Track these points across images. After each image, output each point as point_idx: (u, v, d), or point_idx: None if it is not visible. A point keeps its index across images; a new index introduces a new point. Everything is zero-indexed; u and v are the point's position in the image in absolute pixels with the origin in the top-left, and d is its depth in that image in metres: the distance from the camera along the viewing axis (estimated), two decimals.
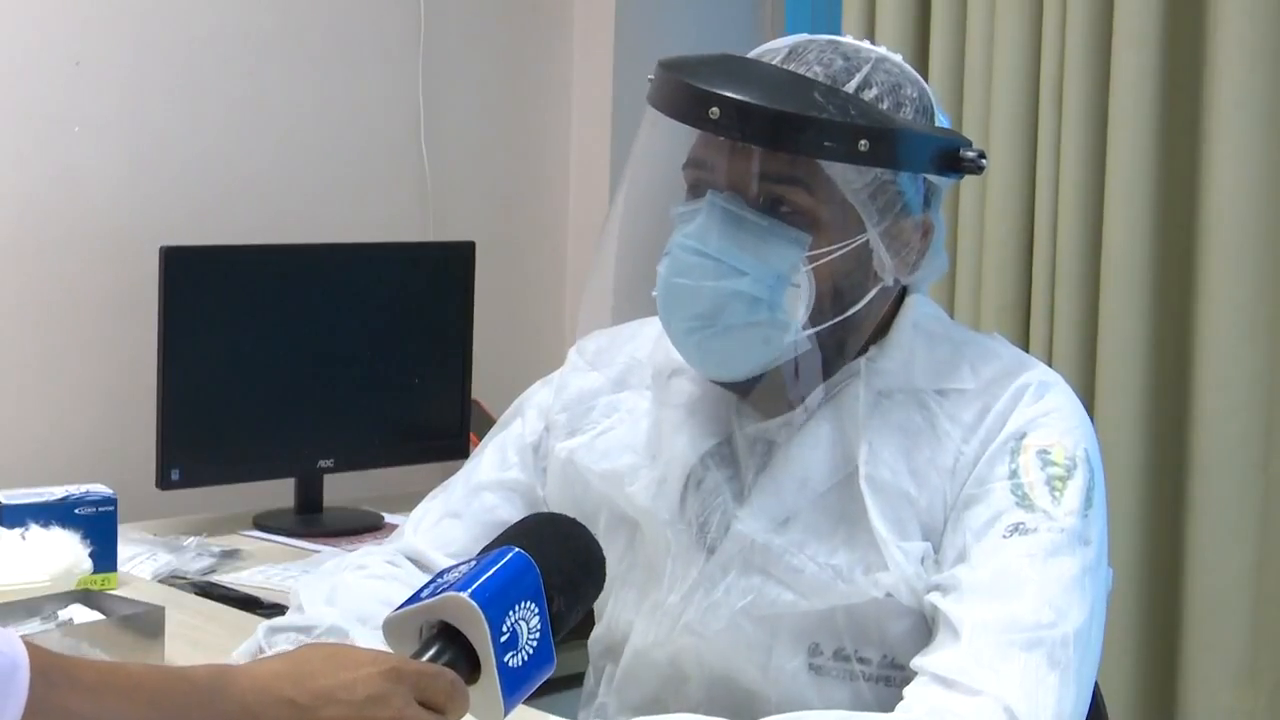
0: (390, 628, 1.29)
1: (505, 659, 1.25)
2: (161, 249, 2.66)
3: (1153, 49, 2.64)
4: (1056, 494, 1.53)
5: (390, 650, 1.28)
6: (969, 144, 1.59)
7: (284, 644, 1.60)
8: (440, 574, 1.30)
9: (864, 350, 1.62)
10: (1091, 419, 1.64)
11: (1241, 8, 2.54)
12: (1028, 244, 2.83)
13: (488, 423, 2.56)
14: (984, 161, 1.58)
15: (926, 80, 1.66)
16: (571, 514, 1.70)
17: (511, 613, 1.26)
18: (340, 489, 2.90)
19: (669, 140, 1.59)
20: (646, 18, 3.31)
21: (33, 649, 1.13)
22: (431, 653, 1.26)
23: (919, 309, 1.65)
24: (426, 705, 1.22)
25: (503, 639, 1.25)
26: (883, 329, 1.63)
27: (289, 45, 3.00)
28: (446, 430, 2.97)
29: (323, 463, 2.86)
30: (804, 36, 1.63)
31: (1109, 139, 2.69)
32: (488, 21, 3.24)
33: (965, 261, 2.89)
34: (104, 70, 2.80)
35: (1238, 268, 2.56)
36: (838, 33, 2.88)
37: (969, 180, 2.88)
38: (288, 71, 3.00)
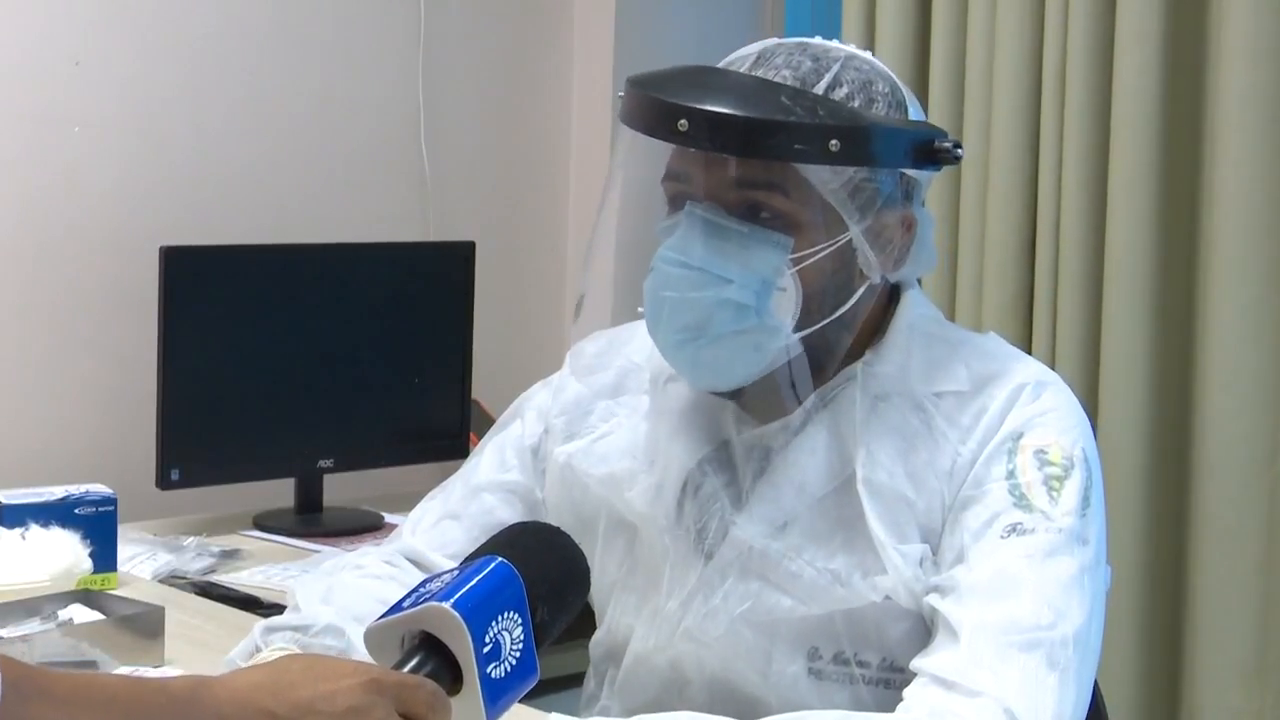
0: (372, 638, 1.27)
1: (488, 670, 1.24)
2: (161, 249, 2.66)
3: (1154, 47, 2.63)
4: (1054, 494, 1.53)
5: (372, 660, 1.27)
6: (944, 135, 1.59)
7: (280, 642, 1.60)
8: (423, 583, 1.29)
9: (860, 353, 1.62)
10: (1094, 418, 1.63)
11: (1243, 6, 2.54)
12: (1030, 243, 2.83)
13: (488, 423, 2.55)
14: (959, 151, 1.58)
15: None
16: (570, 518, 1.70)
17: (494, 623, 1.24)
18: (340, 489, 2.90)
19: (646, 156, 1.59)
20: (646, 18, 3.31)
21: (4, 661, 1.11)
22: (413, 663, 1.24)
23: (915, 310, 1.64)
24: (407, 716, 1.20)
25: (485, 650, 1.23)
26: (879, 331, 1.63)
27: (289, 45, 3.00)
28: (446, 430, 2.97)
29: (323, 463, 2.86)
30: (773, 41, 1.63)
31: (1111, 138, 2.69)
32: (488, 21, 3.24)
33: (967, 261, 2.89)
34: (104, 70, 2.80)
35: (1241, 266, 2.56)
36: (838, 34, 2.89)
37: (970, 180, 2.88)
38: (288, 71, 3.00)
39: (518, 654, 1.26)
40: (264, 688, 1.20)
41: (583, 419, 1.74)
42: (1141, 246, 2.65)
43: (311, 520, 2.83)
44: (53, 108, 2.75)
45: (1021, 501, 1.53)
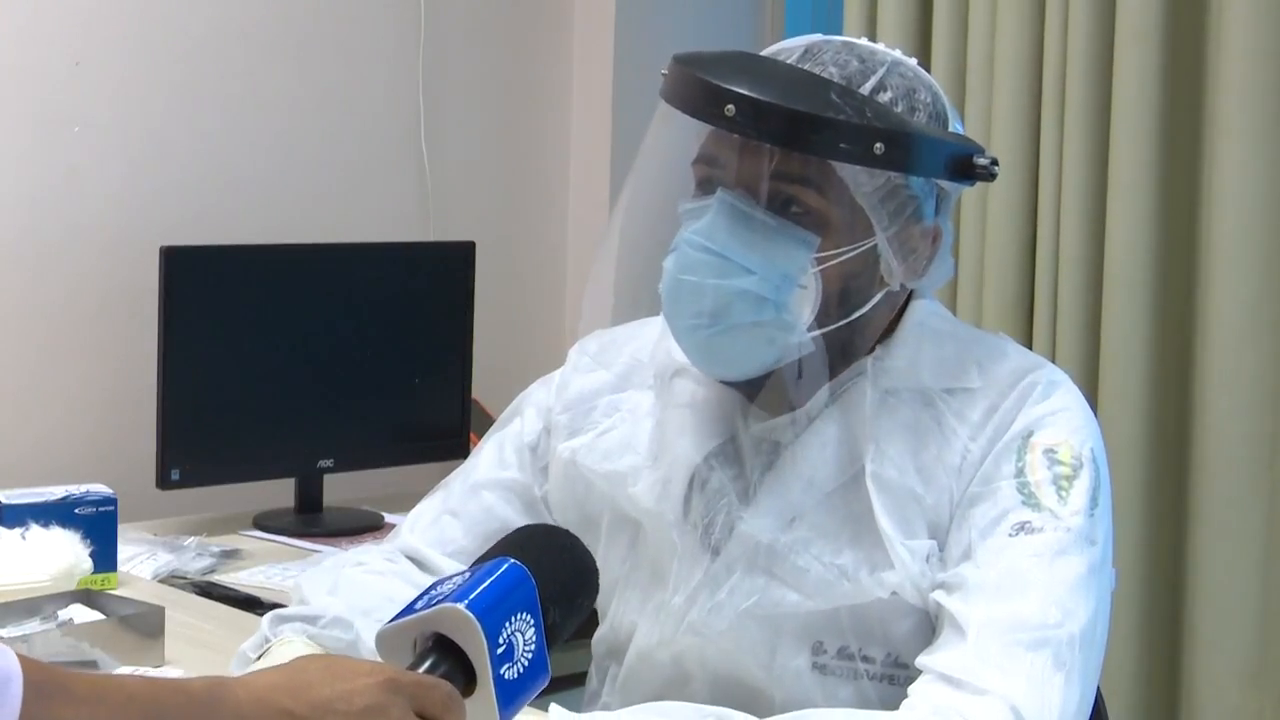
0: (384, 640, 1.27)
1: (501, 671, 1.23)
2: (161, 249, 2.66)
3: (1155, 46, 2.63)
4: (1063, 493, 1.53)
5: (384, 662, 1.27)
6: (982, 151, 1.59)
7: (290, 633, 1.60)
8: (434, 585, 1.28)
9: (870, 350, 1.62)
10: (1095, 418, 1.63)
11: (1243, 5, 2.53)
12: (1030, 242, 2.83)
13: (488, 422, 2.55)
14: (996, 169, 1.58)
15: None
16: (574, 514, 1.70)
17: (508, 624, 1.24)
18: (340, 489, 2.90)
19: (680, 136, 1.58)
20: (646, 18, 3.30)
21: (25, 662, 1.11)
22: (427, 665, 1.24)
23: (925, 308, 1.64)
24: (424, 716, 1.20)
25: (499, 650, 1.23)
26: (889, 329, 1.63)
27: (289, 45, 2.99)
28: (446, 430, 2.97)
29: (323, 463, 2.85)
30: (819, 37, 1.63)
31: (1111, 137, 2.69)
32: (488, 21, 3.24)
33: (968, 260, 2.89)
34: (104, 70, 2.80)
35: (1241, 266, 2.55)
36: (838, 32, 2.88)
37: None
38: (288, 71, 3.00)
39: (530, 655, 1.26)
40: (282, 688, 1.20)
41: (586, 415, 1.73)
42: (1141, 246, 2.65)
43: (311, 520, 2.83)
44: (53, 108, 2.75)
45: (1030, 500, 1.52)
